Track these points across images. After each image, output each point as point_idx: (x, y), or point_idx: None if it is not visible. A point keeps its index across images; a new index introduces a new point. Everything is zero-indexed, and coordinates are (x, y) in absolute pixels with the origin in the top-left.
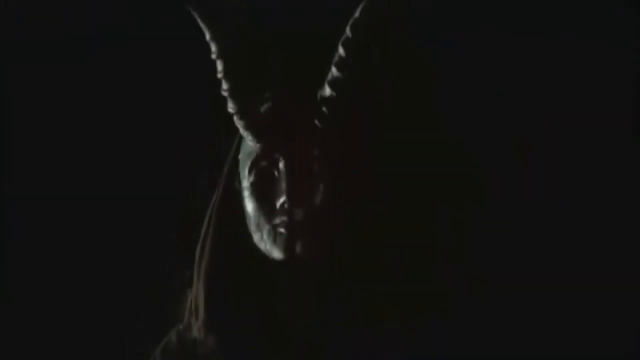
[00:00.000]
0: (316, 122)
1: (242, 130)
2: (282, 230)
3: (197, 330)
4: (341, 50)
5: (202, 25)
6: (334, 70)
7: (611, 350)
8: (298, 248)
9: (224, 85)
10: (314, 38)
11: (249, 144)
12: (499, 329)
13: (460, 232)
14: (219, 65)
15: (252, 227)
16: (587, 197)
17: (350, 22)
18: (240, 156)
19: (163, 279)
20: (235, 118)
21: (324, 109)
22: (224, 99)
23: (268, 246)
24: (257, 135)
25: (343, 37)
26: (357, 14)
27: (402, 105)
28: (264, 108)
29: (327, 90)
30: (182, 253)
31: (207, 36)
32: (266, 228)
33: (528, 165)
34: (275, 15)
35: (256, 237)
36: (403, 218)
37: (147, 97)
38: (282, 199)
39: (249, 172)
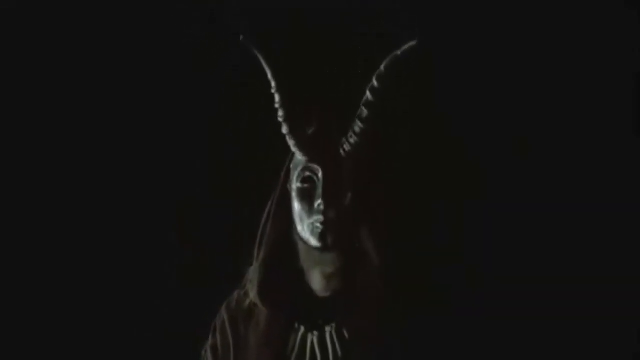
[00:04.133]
0: (348, 145)
1: (292, 147)
2: (318, 225)
3: (253, 297)
4: (369, 95)
5: (264, 65)
6: (363, 108)
7: (613, 352)
8: (329, 239)
9: (280, 113)
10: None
11: (298, 157)
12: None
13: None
14: (277, 97)
15: (297, 220)
16: (587, 196)
17: (376, 74)
18: (292, 165)
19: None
20: (287, 138)
21: (355, 136)
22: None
23: (308, 236)
24: (304, 151)
25: (370, 85)
26: (382, 68)
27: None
28: (310, 131)
29: (357, 123)
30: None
31: (269, 74)
32: (307, 222)
33: (528, 164)
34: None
35: (299, 228)
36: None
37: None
38: (319, 201)
39: (297, 179)
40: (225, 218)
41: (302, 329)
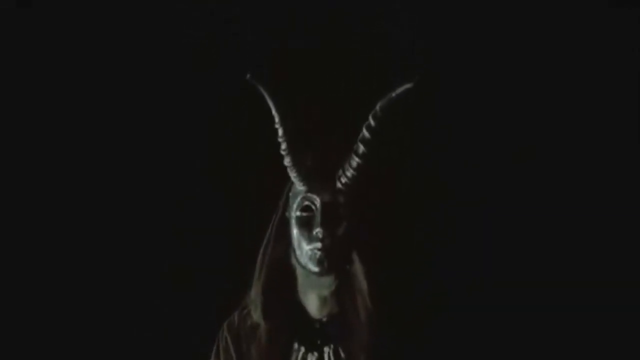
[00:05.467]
0: (345, 177)
1: (292, 178)
2: (317, 251)
3: (257, 317)
4: (365, 132)
5: (268, 101)
6: (360, 144)
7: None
8: (326, 264)
9: (282, 145)
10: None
11: (298, 187)
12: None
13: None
14: (280, 131)
15: (295, 246)
16: (592, 201)
17: (372, 113)
18: (291, 194)
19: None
20: (288, 169)
21: (351, 169)
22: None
23: (306, 261)
24: (304, 182)
25: (366, 123)
26: (377, 107)
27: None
28: (309, 163)
29: (354, 158)
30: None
31: (273, 110)
32: (305, 249)
33: (533, 171)
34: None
35: (298, 254)
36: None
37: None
38: (317, 229)
39: (296, 207)
40: (224, 218)
41: (303, 349)
